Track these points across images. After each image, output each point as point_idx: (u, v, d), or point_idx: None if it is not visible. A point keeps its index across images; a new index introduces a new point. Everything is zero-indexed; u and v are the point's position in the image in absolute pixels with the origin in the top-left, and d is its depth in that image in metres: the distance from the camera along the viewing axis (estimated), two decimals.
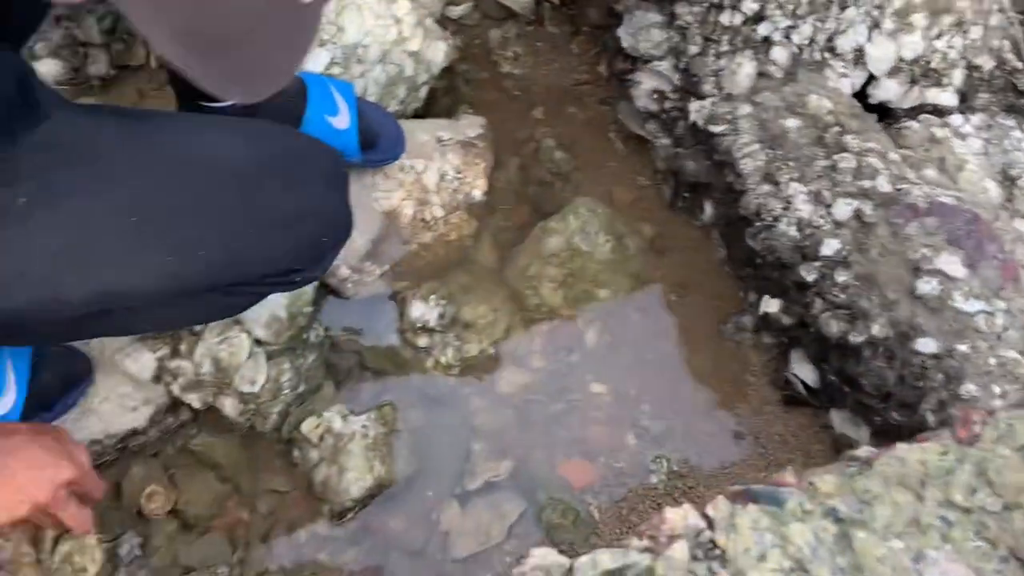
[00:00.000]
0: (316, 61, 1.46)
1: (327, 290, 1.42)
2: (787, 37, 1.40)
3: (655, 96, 1.52)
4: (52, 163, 0.85)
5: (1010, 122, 1.46)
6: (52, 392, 1.20)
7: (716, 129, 1.40)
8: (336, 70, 1.47)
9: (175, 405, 1.29)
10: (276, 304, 1.26)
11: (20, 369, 1.16)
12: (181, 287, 0.91)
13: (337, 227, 1.03)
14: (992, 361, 1.13)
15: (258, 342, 1.28)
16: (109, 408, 1.24)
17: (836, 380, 1.29)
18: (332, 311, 1.43)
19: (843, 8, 1.39)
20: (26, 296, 0.86)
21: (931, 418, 1.15)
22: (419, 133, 1.53)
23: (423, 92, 1.60)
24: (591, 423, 1.39)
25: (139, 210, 0.88)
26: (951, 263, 1.19)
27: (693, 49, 1.42)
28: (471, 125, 1.60)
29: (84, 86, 1.54)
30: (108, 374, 1.26)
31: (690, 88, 1.45)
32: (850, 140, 1.33)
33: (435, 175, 1.51)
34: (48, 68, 1.49)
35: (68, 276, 0.86)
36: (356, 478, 1.27)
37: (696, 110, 1.43)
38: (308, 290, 1.32)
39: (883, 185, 1.27)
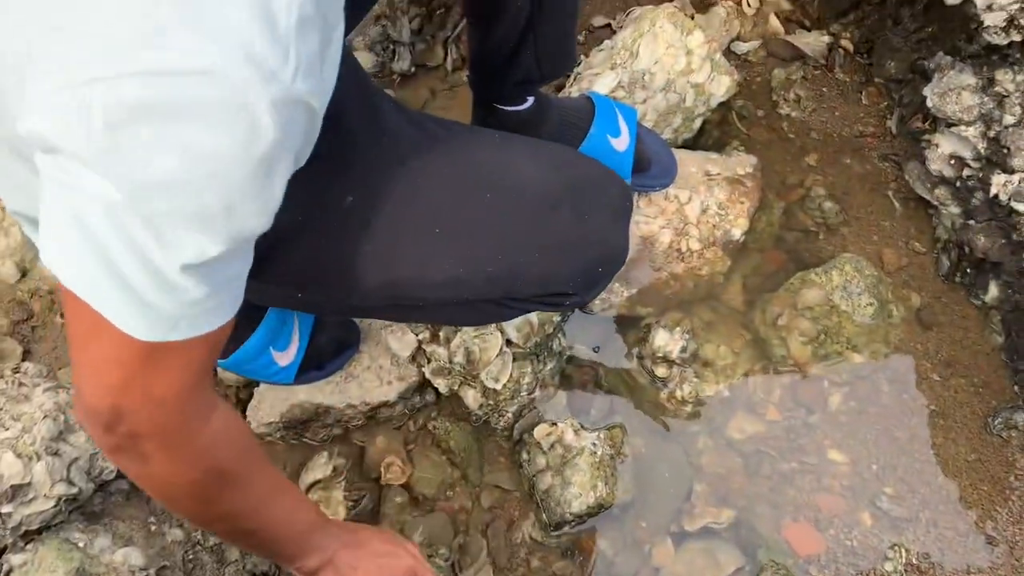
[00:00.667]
0: (603, 83, 1.50)
1: None
2: None
3: (953, 161, 1.42)
4: (379, 167, 0.92)
5: None
6: (325, 354, 1.32)
7: (1022, 208, 1.28)
8: (620, 93, 1.50)
9: (423, 386, 1.38)
10: None
11: (304, 329, 1.29)
12: (463, 295, 0.97)
13: (615, 258, 1.05)
14: None
15: (508, 342, 1.34)
16: (369, 378, 1.35)
17: None
18: (576, 325, 1.47)
19: None
20: (330, 282, 0.95)
21: None
22: (688, 164, 1.53)
23: (697, 123, 1.60)
24: (824, 491, 1.33)
25: (442, 222, 0.94)
26: None
27: (1009, 119, 1.31)
28: (742, 163, 1.57)
29: (387, 79, 1.68)
30: (373, 346, 1.37)
31: (997, 160, 1.34)
32: None
33: (698, 207, 1.50)
34: (361, 60, 1.64)
35: (371, 272, 0.93)
36: (578, 493, 1.29)
37: (1001, 184, 1.32)
38: None
39: None
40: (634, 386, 1.43)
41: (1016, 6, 1.18)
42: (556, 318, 1.39)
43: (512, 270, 0.96)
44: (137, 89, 0.52)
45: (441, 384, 1.35)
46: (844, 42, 1.71)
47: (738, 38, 1.75)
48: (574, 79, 1.55)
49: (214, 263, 0.60)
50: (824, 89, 1.70)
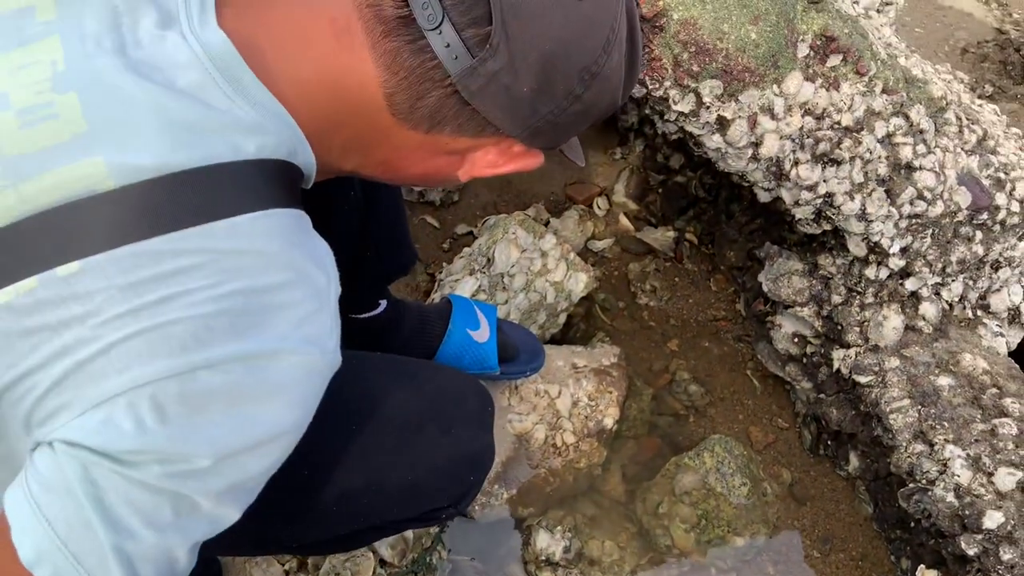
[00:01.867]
0: (464, 287, 1.55)
1: None
2: (937, 293, 1.39)
3: (796, 340, 1.52)
4: None
5: None
6: None
7: (862, 380, 1.37)
8: (482, 296, 1.56)
9: None
10: None
11: None
12: (338, 532, 0.94)
13: (484, 464, 1.05)
14: None
15: (382, 562, 1.27)
16: None
17: None
18: (457, 533, 1.42)
19: (996, 268, 1.38)
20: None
21: None
22: (555, 358, 1.57)
23: (562, 319, 1.66)
24: None
25: (310, 462, 0.91)
26: None
27: (836, 299, 1.42)
28: (606, 354, 1.63)
29: None
30: None
31: (834, 336, 1.44)
32: (1009, 404, 1.26)
33: (568, 400, 1.52)
34: None
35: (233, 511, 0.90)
36: None
37: (840, 359, 1.41)
38: None
39: None
40: None
41: (820, 200, 1.32)
42: (433, 530, 1.34)
43: (385, 496, 0.94)
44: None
45: None
46: (689, 235, 1.85)
47: (593, 237, 1.87)
48: (437, 286, 1.60)
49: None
50: (676, 279, 1.81)
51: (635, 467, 1.55)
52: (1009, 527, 1.16)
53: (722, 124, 1.26)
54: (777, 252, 1.50)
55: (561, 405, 1.52)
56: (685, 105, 1.25)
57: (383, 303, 1.29)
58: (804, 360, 1.52)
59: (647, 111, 1.33)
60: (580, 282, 1.65)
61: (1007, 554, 1.14)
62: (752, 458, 1.52)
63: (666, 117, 1.29)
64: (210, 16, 0.63)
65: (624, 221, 1.88)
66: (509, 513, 1.44)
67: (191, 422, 0.57)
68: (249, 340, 0.58)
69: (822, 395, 1.48)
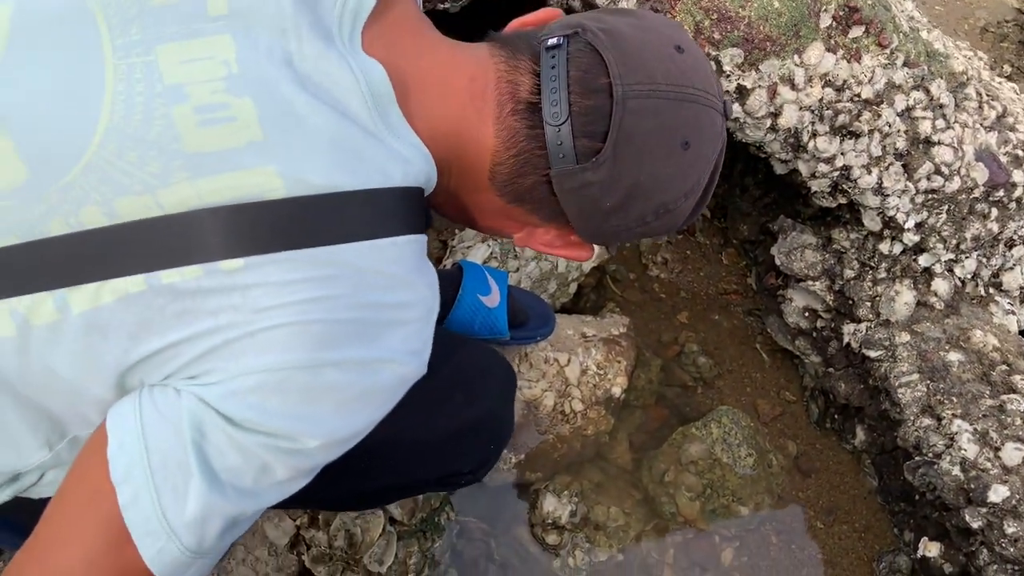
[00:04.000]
0: (475, 254, 1.56)
1: None
2: (949, 270, 1.38)
3: (807, 314, 1.52)
4: None
5: None
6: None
7: (872, 354, 1.37)
8: (493, 263, 1.56)
9: (303, 575, 1.30)
10: None
11: None
12: (359, 490, 0.96)
13: (505, 435, 1.08)
14: None
15: (392, 521, 1.29)
16: (244, 572, 1.26)
17: None
18: (465, 496, 1.43)
19: (1010, 246, 1.37)
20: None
21: None
22: (565, 327, 1.57)
23: (572, 288, 1.66)
24: None
25: None
26: None
27: (849, 273, 1.42)
28: (616, 324, 1.63)
29: None
30: (248, 536, 1.29)
31: (844, 311, 1.44)
32: (1019, 381, 1.27)
33: (578, 369, 1.53)
34: None
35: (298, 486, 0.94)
36: None
37: (850, 333, 1.41)
38: None
39: None
40: (526, 556, 1.39)
41: (836, 173, 1.32)
42: (442, 492, 1.36)
43: (409, 456, 0.97)
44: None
45: (322, 572, 1.27)
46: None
47: None
48: (448, 253, 1.60)
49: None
50: (688, 252, 1.81)
51: (642, 436, 1.56)
52: (1014, 501, 1.17)
53: (742, 93, 1.25)
54: (791, 226, 1.50)
55: (570, 373, 1.53)
56: None
57: None
58: (814, 334, 1.52)
59: None
60: (592, 251, 1.65)
61: (1011, 527, 1.15)
62: (758, 430, 1.53)
63: None
64: (358, 38, 0.68)
65: None
66: (517, 478, 1.46)
67: (308, 409, 0.63)
68: (370, 347, 0.64)
69: (831, 369, 1.49)
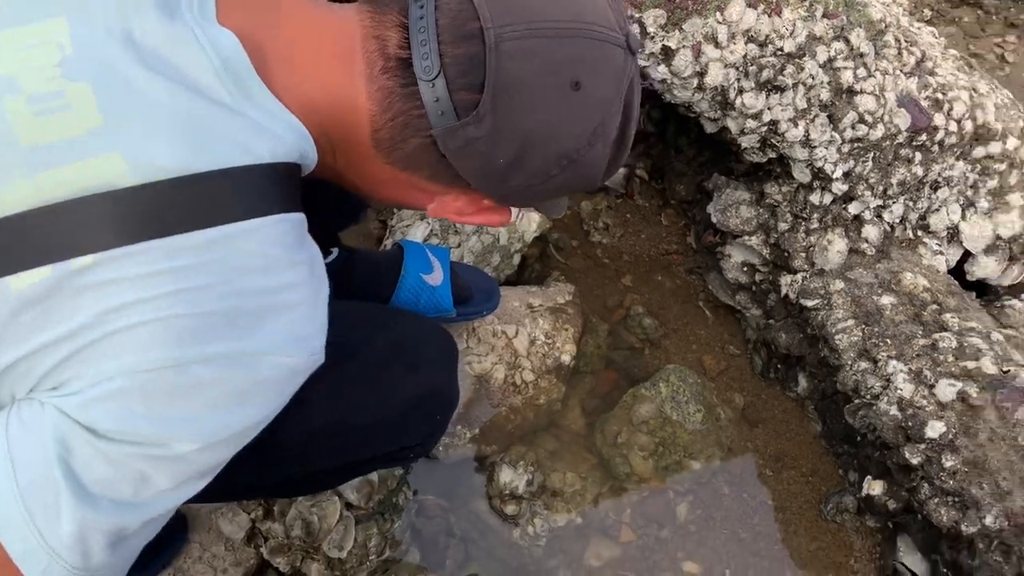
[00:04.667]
0: (416, 233, 1.54)
1: None
2: (878, 216, 1.42)
3: (745, 268, 1.54)
4: None
5: None
6: (146, 552, 1.22)
7: (809, 303, 1.40)
8: (434, 240, 1.55)
9: (264, 568, 1.29)
10: None
11: None
12: (307, 469, 0.94)
13: (450, 404, 1.06)
14: None
15: (349, 506, 1.29)
16: (201, 570, 1.25)
17: (948, 573, 1.21)
18: (422, 474, 1.44)
19: (935, 188, 1.41)
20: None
21: None
22: (511, 299, 1.58)
23: (516, 259, 1.67)
24: None
25: None
26: None
27: (783, 226, 1.45)
28: (561, 292, 1.64)
29: None
30: (203, 533, 1.28)
31: (781, 262, 1.47)
32: (949, 319, 1.31)
33: (526, 340, 1.54)
34: None
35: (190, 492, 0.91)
36: None
37: (788, 284, 1.44)
38: None
39: (988, 366, 1.23)
40: (486, 529, 1.41)
41: (764, 128, 1.33)
42: (398, 471, 1.36)
43: (353, 434, 0.95)
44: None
45: (281, 563, 1.26)
46: (639, 171, 1.86)
47: None
48: (388, 233, 1.59)
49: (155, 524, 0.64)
50: (628, 215, 1.83)
51: (593, 400, 1.58)
52: (950, 435, 1.21)
53: (667, 54, 1.26)
54: (724, 183, 1.52)
55: (519, 344, 1.53)
56: None
57: (334, 251, 1.28)
58: (753, 288, 1.55)
59: None
60: (533, 222, 1.65)
61: (948, 461, 1.20)
62: (706, 385, 1.56)
63: None
64: (210, 7, 0.63)
65: None
66: (473, 453, 1.47)
67: (177, 411, 0.59)
68: (244, 339, 0.60)
69: (771, 321, 1.52)
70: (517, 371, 1.51)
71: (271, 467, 0.91)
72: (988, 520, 1.15)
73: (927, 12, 2.32)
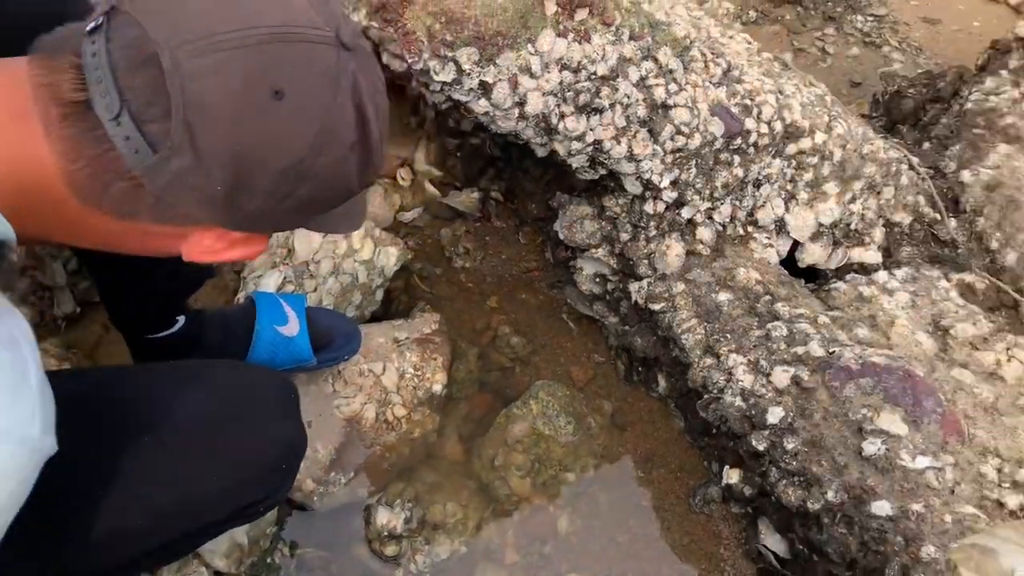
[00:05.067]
0: (268, 282, 1.53)
1: (291, 505, 1.42)
2: (709, 217, 1.49)
3: (597, 279, 1.60)
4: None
5: (935, 272, 1.53)
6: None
7: (656, 307, 1.47)
8: (289, 287, 1.54)
9: None
10: (237, 531, 1.26)
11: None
12: (155, 544, 0.92)
13: (295, 452, 1.04)
14: (948, 519, 1.14)
15: (218, 574, 1.27)
16: None
17: (804, 550, 1.28)
18: (297, 526, 1.43)
19: (758, 186, 1.50)
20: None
21: None
22: (375, 336, 1.58)
23: (379, 295, 1.67)
24: None
25: (116, 474, 0.88)
26: (892, 421, 1.22)
27: (624, 236, 1.51)
28: (426, 322, 1.66)
29: (50, 326, 1.60)
30: None
31: (627, 271, 1.53)
32: (781, 308, 1.39)
33: (394, 375, 1.55)
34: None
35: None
36: None
37: (636, 291, 1.50)
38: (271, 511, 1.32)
39: (816, 349, 1.32)
40: (368, 574, 1.41)
41: (590, 148, 1.39)
42: (271, 530, 1.35)
43: (194, 503, 0.93)
44: None
45: None
46: (494, 194, 1.90)
47: (401, 208, 1.88)
48: (241, 285, 1.57)
49: None
50: (487, 237, 1.86)
51: (470, 426, 1.60)
52: (789, 419, 1.29)
53: (485, 88, 1.29)
54: (568, 200, 1.57)
55: (387, 381, 1.54)
56: (447, 75, 1.28)
57: (180, 319, 1.26)
58: (607, 297, 1.61)
59: (414, 84, 1.34)
60: (391, 256, 1.66)
61: (790, 443, 1.27)
62: (574, 396, 1.60)
63: (432, 88, 1.31)
64: None
65: (430, 188, 1.91)
66: (349, 497, 1.46)
67: None
68: None
69: (627, 327, 1.58)
70: (388, 407, 1.52)
71: (103, 550, 0.88)
72: (830, 495, 1.22)
73: (752, 13, 2.45)
